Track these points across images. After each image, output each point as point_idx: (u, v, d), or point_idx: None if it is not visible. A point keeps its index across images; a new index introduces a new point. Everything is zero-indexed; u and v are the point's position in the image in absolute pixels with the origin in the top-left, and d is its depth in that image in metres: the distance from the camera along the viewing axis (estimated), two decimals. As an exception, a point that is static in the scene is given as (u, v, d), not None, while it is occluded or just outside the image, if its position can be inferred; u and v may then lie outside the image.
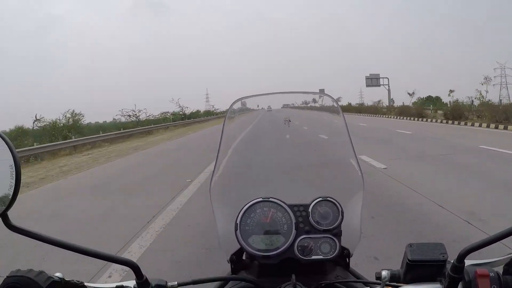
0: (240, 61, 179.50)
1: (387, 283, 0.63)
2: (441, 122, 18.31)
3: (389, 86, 45.02)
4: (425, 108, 26.74)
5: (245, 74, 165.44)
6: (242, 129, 1.10)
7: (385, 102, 46.99)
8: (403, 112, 25.42)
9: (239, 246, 0.73)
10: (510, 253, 0.62)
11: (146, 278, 0.61)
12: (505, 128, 13.28)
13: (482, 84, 31.45)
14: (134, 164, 9.29)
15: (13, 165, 0.54)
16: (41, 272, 0.55)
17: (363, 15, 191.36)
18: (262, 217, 0.74)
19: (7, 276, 0.53)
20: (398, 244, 2.36)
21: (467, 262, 0.58)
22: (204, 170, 6.74)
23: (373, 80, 45.97)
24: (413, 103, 42.03)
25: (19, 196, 0.52)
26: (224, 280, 0.74)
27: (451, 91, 30.75)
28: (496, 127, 13.80)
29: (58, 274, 0.59)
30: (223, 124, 0.89)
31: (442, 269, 0.60)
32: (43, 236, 0.56)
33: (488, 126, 14.45)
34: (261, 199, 0.75)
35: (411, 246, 0.63)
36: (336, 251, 0.71)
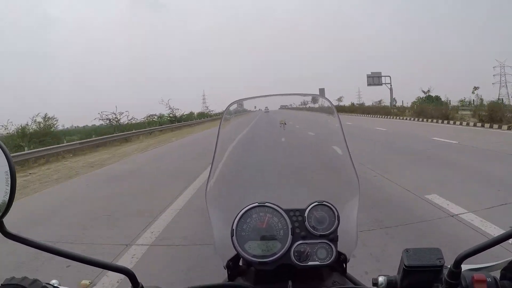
0: (239, 60, 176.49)
1: None
2: (475, 125, 15.10)
3: (391, 85, 43.16)
4: (454, 108, 22.70)
5: (244, 73, 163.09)
6: (238, 132, 1.08)
7: (385, 102, 44.73)
8: (422, 113, 21.52)
9: (235, 252, 0.72)
10: (507, 258, 0.61)
11: (142, 286, 0.61)
12: None
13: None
14: (54, 204, 5.95)
15: (9, 171, 0.54)
16: (35, 281, 0.56)
17: (365, 12, 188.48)
18: (258, 222, 0.73)
19: (1, 284, 0.53)
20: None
21: (464, 267, 0.59)
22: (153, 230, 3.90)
23: (374, 79, 43.96)
24: (412, 103, 40.03)
25: None
26: (221, 287, 0.72)
27: (475, 88, 27.00)
28: None
29: (54, 282, 0.61)
30: (219, 127, 0.88)
31: (439, 275, 0.60)
32: (38, 244, 0.56)
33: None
34: (256, 204, 0.74)
35: (407, 251, 0.63)
36: (333, 257, 0.70)
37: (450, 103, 28.45)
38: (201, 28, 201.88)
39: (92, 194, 6.23)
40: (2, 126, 18.95)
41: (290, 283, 0.66)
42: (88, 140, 17.06)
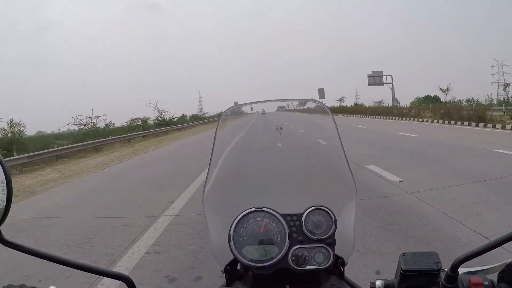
0: (236, 62, 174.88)
1: None
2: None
3: (392, 84, 41.17)
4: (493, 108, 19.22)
5: (242, 75, 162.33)
6: (235, 136, 1.08)
7: (386, 102, 43.06)
8: (448, 114, 17.88)
9: (233, 257, 0.72)
10: (505, 260, 0.60)
11: None
12: None
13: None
14: None
15: (4, 180, 0.53)
16: None
17: (364, 12, 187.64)
18: (255, 227, 0.73)
19: None
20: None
21: (461, 270, 0.59)
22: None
23: (375, 78, 41.94)
24: (411, 103, 38.86)
25: None
26: None
27: (506, 85, 23.58)
28: None
29: None
30: (216, 131, 0.88)
31: (436, 279, 0.61)
32: (36, 251, 0.56)
33: None
34: (254, 209, 0.74)
35: (404, 255, 0.63)
36: (330, 261, 0.71)
37: (461, 103, 25.31)
38: (198, 29, 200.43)
39: None
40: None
41: (287, 287, 0.67)
42: (42, 152, 13.83)
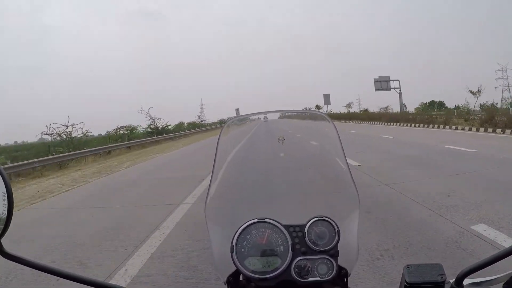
0: (238, 69, 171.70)
1: None
2: None
3: (400, 90, 39.61)
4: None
5: (244, 82, 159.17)
6: (237, 145, 1.09)
7: (392, 108, 41.55)
8: (491, 120, 14.88)
9: (235, 268, 0.72)
10: (509, 271, 0.60)
11: None
12: None
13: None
14: None
15: (5, 192, 0.54)
16: None
17: (368, 17, 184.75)
18: (258, 238, 0.74)
19: None
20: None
21: (466, 281, 0.60)
22: None
23: (382, 83, 40.29)
24: (415, 109, 38.22)
25: None
26: None
27: None
28: None
29: None
30: (218, 141, 0.88)
31: None
32: (35, 263, 0.57)
33: None
34: (256, 220, 0.75)
35: (408, 267, 0.64)
36: (334, 272, 0.70)
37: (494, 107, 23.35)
38: (200, 37, 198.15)
39: None
40: None
41: None
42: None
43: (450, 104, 42.39)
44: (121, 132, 26.62)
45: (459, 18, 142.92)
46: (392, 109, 40.72)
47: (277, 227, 0.74)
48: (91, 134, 21.81)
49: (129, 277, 2.97)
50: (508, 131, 13.47)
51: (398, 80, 39.68)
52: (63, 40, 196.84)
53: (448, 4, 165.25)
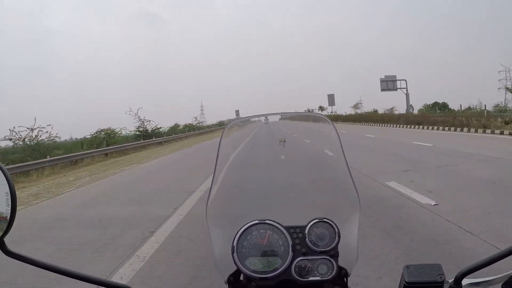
0: (239, 70, 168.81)
1: None
2: None
3: (407, 90, 37.60)
4: None
5: (245, 83, 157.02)
6: (239, 147, 1.11)
7: (398, 109, 40.47)
8: None
9: (236, 267, 0.76)
10: (508, 272, 0.62)
11: None
12: None
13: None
14: None
15: (9, 192, 0.55)
16: None
17: (373, 16, 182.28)
18: (258, 239, 0.76)
19: None
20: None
21: (464, 281, 0.62)
22: None
23: (388, 83, 38.03)
24: (418, 110, 37.42)
25: None
26: None
27: None
28: None
29: None
30: (219, 143, 0.90)
31: None
32: (38, 262, 0.59)
33: None
34: (257, 221, 0.77)
35: (408, 267, 0.66)
36: (334, 272, 0.73)
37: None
38: (202, 38, 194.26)
39: None
40: None
41: None
42: None
43: (453, 105, 41.28)
44: (101, 136, 23.47)
45: (463, 17, 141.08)
46: (398, 110, 39.91)
47: (278, 228, 0.76)
48: (57, 139, 18.45)
49: None
50: None
51: (405, 80, 38.22)
52: (63, 41, 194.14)
53: (447, 3, 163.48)
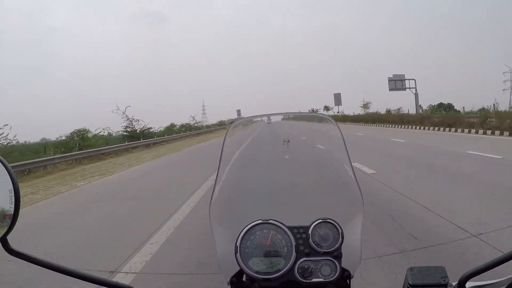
0: (241, 69, 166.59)
1: None
2: None
3: (416, 90, 35.63)
4: None
5: (247, 82, 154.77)
6: (242, 146, 1.12)
7: (404, 110, 38.09)
8: None
9: (239, 268, 0.76)
10: None
11: None
12: None
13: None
14: None
15: (12, 189, 0.55)
16: None
17: (379, 14, 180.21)
18: (262, 239, 0.76)
19: None
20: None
21: (468, 284, 0.62)
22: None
23: (397, 83, 35.90)
24: (424, 111, 34.62)
25: None
26: None
27: None
28: None
29: None
30: (223, 142, 0.90)
31: None
32: (41, 261, 0.59)
33: None
34: (260, 221, 0.77)
35: (411, 270, 0.66)
36: (337, 273, 0.73)
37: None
38: (202, 38, 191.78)
39: None
40: None
41: None
42: None
43: (458, 106, 40.00)
44: (74, 138, 20.66)
45: (462, 17, 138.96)
46: (407, 110, 37.30)
47: (281, 228, 0.77)
48: (14, 142, 15.11)
49: None
50: None
51: (414, 80, 36.58)
52: (63, 41, 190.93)
53: (447, 3, 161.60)
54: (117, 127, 30.01)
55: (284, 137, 0.99)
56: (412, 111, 35.53)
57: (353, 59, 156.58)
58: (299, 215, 0.81)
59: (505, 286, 0.59)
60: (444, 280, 0.60)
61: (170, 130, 37.43)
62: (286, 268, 0.71)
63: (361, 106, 54.57)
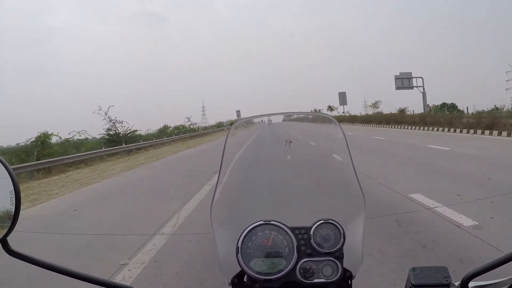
0: (242, 69, 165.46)
1: None
2: None
3: (424, 88, 33.97)
4: None
5: (248, 83, 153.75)
6: (243, 147, 1.13)
7: (410, 110, 36.73)
8: None
9: (240, 269, 0.78)
10: None
11: None
12: None
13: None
14: None
15: (13, 191, 0.55)
16: None
17: (378, 17, 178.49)
18: (263, 240, 0.77)
19: None
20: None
21: (471, 284, 0.63)
22: None
23: (404, 81, 34.06)
24: (427, 112, 34.42)
25: None
26: None
27: None
28: None
29: None
30: (225, 143, 0.91)
31: None
32: (41, 262, 0.60)
33: None
34: (262, 222, 0.78)
35: (414, 270, 0.67)
36: (338, 274, 0.74)
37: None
38: (202, 38, 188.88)
39: None
40: None
41: None
42: None
43: (460, 106, 39.88)
44: (29, 145, 17.15)
45: (463, 17, 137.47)
46: (413, 110, 36.04)
47: (283, 229, 0.78)
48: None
49: None
50: None
51: (422, 78, 34.92)
52: (63, 40, 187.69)
53: (447, 3, 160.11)
54: (99, 130, 27.00)
55: (286, 138, 1.02)
56: (418, 111, 34.13)
57: (354, 59, 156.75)
58: (301, 216, 0.84)
59: (508, 285, 0.61)
60: (447, 280, 0.62)
61: (163, 132, 35.02)
62: (287, 268, 0.73)
63: (370, 106, 52.38)
